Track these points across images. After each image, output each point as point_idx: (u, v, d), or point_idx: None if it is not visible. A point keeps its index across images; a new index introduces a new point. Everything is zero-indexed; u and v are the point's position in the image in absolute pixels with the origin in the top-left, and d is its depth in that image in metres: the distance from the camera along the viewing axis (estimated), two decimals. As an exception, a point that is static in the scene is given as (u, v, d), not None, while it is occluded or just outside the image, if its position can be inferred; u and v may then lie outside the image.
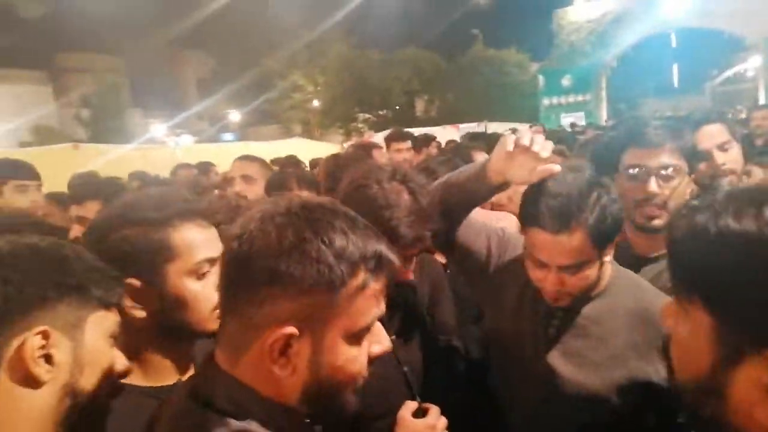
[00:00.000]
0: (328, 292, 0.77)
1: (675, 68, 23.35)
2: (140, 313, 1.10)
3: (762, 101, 12.62)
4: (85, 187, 2.93)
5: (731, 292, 0.60)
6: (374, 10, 25.75)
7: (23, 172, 2.95)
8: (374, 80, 25.83)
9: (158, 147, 9.99)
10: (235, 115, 27.42)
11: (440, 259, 2.25)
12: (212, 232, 1.18)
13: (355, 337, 0.82)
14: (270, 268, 0.75)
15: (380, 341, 0.87)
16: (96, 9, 29.38)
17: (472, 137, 5.36)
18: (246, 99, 27.39)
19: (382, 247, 0.83)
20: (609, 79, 18.43)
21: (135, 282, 1.07)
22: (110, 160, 6.31)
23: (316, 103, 27.69)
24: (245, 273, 0.77)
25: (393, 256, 0.84)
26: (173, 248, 1.10)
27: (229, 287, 0.80)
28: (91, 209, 2.59)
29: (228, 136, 29.59)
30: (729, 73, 24.99)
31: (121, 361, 0.91)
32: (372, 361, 0.85)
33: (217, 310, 1.10)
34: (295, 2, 25.66)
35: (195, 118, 34.64)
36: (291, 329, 0.76)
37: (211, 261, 1.13)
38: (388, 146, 4.76)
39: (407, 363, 1.54)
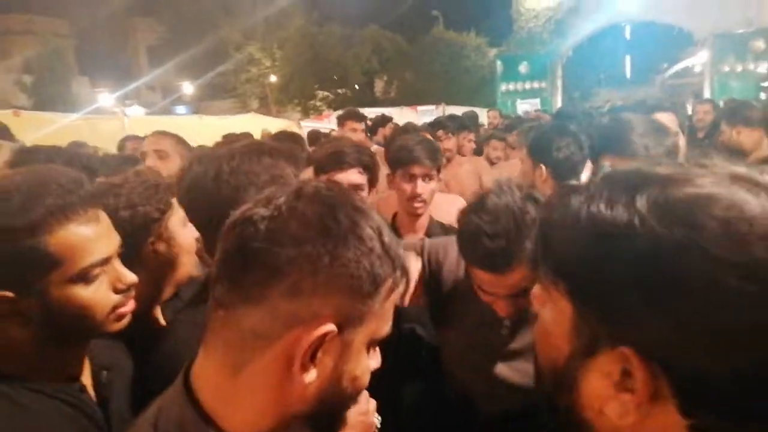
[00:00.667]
0: (372, 289, 0.69)
1: (627, 60, 23.97)
2: (18, 330, 0.95)
3: (707, 95, 13.14)
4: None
5: (593, 283, 0.56)
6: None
7: None
8: (334, 57, 25.44)
9: (107, 118, 9.55)
10: (188, 87, 26.54)
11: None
12: (102, 226, 1.01)
13: (373, 346, 0.75)
14: (312, 254, 0.65)
15: (377, 357, 0.78)
16: None
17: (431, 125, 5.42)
18: (200, 70, 26.49)
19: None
20: (564, 67, 18.75)
21: (7, 294, 0.91)
22: (55, 129, 5.97)
23: (273, 78, 27.07)
24: (270, 261, 0.66)
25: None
26: (51, 255, 0.92)
27: (237, 278, 0.68)
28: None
29: (181, 109, 28.68)
30: (678, 67, 25.87)
31: None
32: None
33: (117, 310, 1.03)
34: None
35: (145, 88, 33.37)
36: (331, 327, 0.67)
37: (103, 261, 1.00)
38: (342, 125, 4.73)
39: None
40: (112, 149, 4.99)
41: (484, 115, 10.02)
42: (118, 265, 1.06)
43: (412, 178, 2.28)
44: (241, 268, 0.68)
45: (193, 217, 1.28)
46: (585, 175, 2.14)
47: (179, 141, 2.91)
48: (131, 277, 1.07)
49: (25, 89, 26.77)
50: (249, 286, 0.67)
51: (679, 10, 15.01)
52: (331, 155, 2.19)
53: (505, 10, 18.77)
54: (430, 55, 24.85)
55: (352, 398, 0.76)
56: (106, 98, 20.81)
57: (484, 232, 1.26)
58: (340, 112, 6.23)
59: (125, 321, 1.07)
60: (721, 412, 0.53)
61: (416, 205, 2.29)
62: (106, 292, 1.01)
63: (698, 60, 19.50)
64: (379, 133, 5.67)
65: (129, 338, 1.21)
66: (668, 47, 25.10)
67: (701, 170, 0.57)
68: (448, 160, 4.14)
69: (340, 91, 27.52)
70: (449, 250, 1.63)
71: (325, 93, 27.59)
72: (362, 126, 4.79)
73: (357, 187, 2.15)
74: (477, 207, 1.31)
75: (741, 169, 0.57)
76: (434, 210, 2.47)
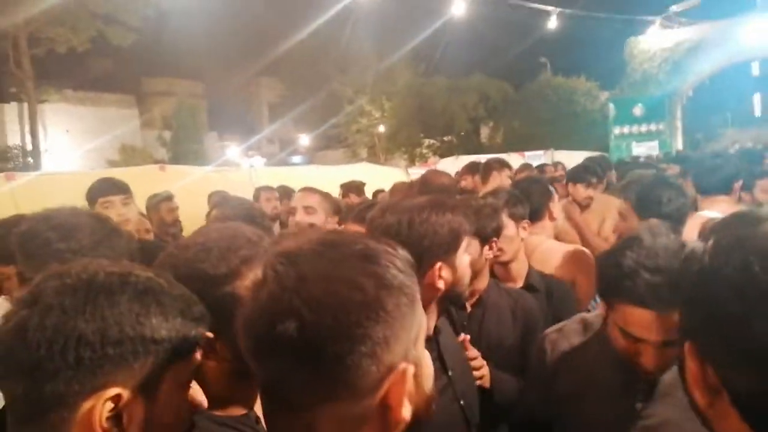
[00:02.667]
0: (411, 313, 0.71)
1: (757, 98, 22.23)
2: (211, 366, 1.05)
3: None
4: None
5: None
6: (443, 39, 26.17)
7: (107, 187, 2.89)
8: (439, 106, 26.05)
9: (234, 169, 10.52)
10: (304, 139, 28.38)
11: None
12: None
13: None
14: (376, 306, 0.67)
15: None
16: (180, 37, 31.41)
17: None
18: (314, 123, 28.31)
19: None
20: (684, 108, 17.80)
21: (208, 334, 0.97)
22: (193, 180, 6.70)
23: (381, 128, 28.21)
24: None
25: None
26: (243, 299, 1.01)
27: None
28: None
29: (297, 158, 30.60)
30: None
31: (199, 397, 0.90)
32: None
33: None
34: (368, 31, 26.43)
35: (266, 141, 36.10)
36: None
37: None
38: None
39: (463, 396, 1.53)
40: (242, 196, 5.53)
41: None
42: None
43: None
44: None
45: None
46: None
47: (326, 197, 3.01)
48: None
49: (165, 144, 30.03)
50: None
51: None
52: None
53: (618, 53, 18.33)
54: (536, 100, 24.68)
55: None
56: (232, 151, 22.76)
57: (644, 266, 1.20)
58: (446, 159, 6.30)
59: None
60: None
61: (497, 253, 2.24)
62: None
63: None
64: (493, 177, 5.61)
65: None
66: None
67: None
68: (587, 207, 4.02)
69: (445, 138, 28.00)
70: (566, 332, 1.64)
71: (431, 140, 28.19)
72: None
73: None
74: (631, 243, 1.25)
75: None
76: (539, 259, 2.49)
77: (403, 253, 0.74)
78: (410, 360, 0.69)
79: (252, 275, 1.05)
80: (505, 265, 2.35)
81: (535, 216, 2.61)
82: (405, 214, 1.39)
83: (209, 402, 1.04)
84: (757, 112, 22.41)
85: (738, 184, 2.88)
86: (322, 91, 26.89)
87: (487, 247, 1.97)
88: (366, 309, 0.65)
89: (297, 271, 0.66)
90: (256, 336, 0.68)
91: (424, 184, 3.26)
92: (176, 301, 0.82)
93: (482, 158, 5.67)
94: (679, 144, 16.71)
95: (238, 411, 1.15)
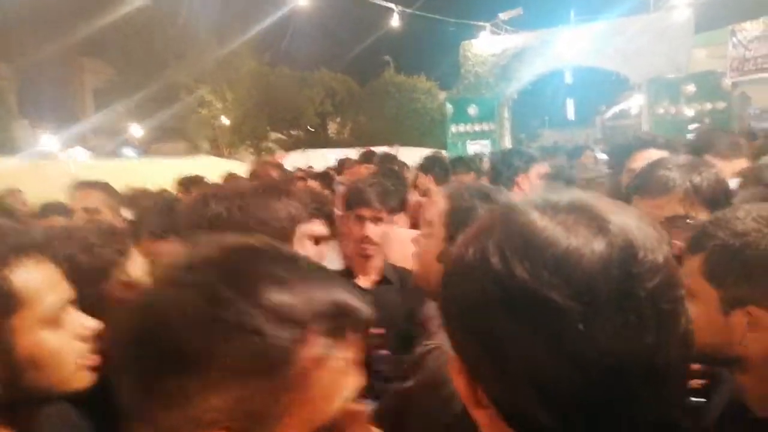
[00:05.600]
0: (270, 375, 0.54)
1: (569, 103, 25.24)
2: None
3: (644, 136, 13.83)
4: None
5: None
6: (289, 28, 25.67)
7: None
8: (286, 99, 25.61)
9: (50, 161, 9.23)
10: (136, 130, 26.01)
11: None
12: (54, 269, 0.94)
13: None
14: (181, 349, 0.52)
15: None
16: None
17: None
18: (148, 113, 26.05)
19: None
20: (511, 110, 19.48)
21: None
22: (-2, 173, 5.69)
23: (224, 120, 26.93)
24: (155, 359, 0.54)
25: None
26: (15, 295, 0.85)
27: (139, 381, 0.55)
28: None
29: (129, 151, 27.99)
30: (616, 109, 27.32)
31: None
32: None
33: (83, 361, 0.94)
34: (207, 14, 24.97)
35: (90, 131, 32.52)
36: None
37: (66, 304, 0.93)
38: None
39: None
40: (59, 195, 4.76)
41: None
42: (77, 312, 0.98)
43: (361, 220, 2.28)
44: (132, 372, 0.60)
45: None
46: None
47: (110, 194, 2.66)
48: (93, 322, 0.98)
49: (-40, 132, 25.61)
50: (136, 398, 0.60)
51: (615, 56, 15.98)
52: None
53: (454, 55, 19.46)
54: (381, 97, 25.40)
55: None
56: (48, 141, 20.08)
57: None
58: (293, 152, 6.23)
59: (89, 376, 0.98)
60: None
61: (364, 246, 2.28)
62: (71, 340, 0.93)
63: (634, 102, 20.67)
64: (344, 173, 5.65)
65: (92, 405, 1.09)
66: (606, 91, 26.54)
67: None
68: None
69: (293, 132, 27.62)
70: None
71: (278, 134, 27.62)
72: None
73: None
74: None
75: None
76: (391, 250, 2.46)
77: None
78: None
79: (24, 268, 0.87)
80: (368, 258, 2.31)
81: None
82: (235, 200, 1.26)
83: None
84: (571, 116, 25.40)
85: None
86: (156, 78, 24.84)
87: None
88: None
89: None
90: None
91: (254, 178, 3.15)
92: None
93: (330, 153, 5.66)
94: (507, 143, 18.23)
95: None
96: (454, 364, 0.59)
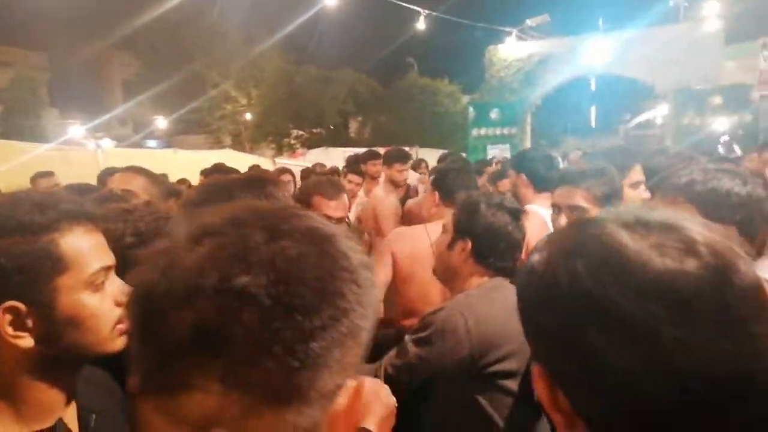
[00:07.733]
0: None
1: (593, 110, 24.98)
2: (26, 342, 0.88)
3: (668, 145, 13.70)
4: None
5: None
6: (316, 29, 25.87)
7: None
8: (309, 97, 25.79)
9: (78, 149, 9.45)
10: (161, 122, 26.35)
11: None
12: (102, 238, 1.01)
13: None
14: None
15: None
16: (28, 5, 27.63)
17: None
18: (174, 106, 26.42)
19: None
20: (534, 115, 19.38)
21: (17, 305, 0.86)
22: (28, 159, 5.87)
23: (248, 116, 27.21)
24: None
25: None
26: (62, 258, 0.91)
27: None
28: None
29: (152, 143, 28.43)
30: (640, 118, 26.99)
31: None
32: None
33: (119, 326, 0.98)
34: (236, 12, 25.26)
35: (117, 122, 33.07)
36: None
37: (107, 269, 0.99)
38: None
39: None
40: (85, 181, 4.91)
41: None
42: (117, 278, 1.04)
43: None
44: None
45: None
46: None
47: (154, 181, 2.54)
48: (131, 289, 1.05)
49: (-6, 118, 26.25)
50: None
51: (641, 65, 15.82)
52: None
53: (478, 59, 19.43)
54: (404, 99, 25.42)
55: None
56: (76, 130, 20.46)
57: None
58: (314, 150, 6.26)
59: (124, 341, 1.05)
60: None
61: None
62: (110, 304, 0.99)
63: (659, 112, 20.41)
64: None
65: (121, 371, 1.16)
66: (630, 99, 26.25)
67: None
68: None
69: (314, 130, 27.79)
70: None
71: (300, 132, 27.81)
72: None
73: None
74: None
75: None
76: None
77: None
78: None
79: (72, 233, 0.92)
80: None
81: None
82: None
83: (9, 409, 0.87)
84: (593, 123, 25.15)
85: None
86: (183, 72, 25.18)
87: None
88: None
89: None
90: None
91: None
92: None
93: (350, 151, 5.66)
94: (528, 147, 18.17)
95: (38, 423, 0.92)
96: (536, 369, 0.64)
